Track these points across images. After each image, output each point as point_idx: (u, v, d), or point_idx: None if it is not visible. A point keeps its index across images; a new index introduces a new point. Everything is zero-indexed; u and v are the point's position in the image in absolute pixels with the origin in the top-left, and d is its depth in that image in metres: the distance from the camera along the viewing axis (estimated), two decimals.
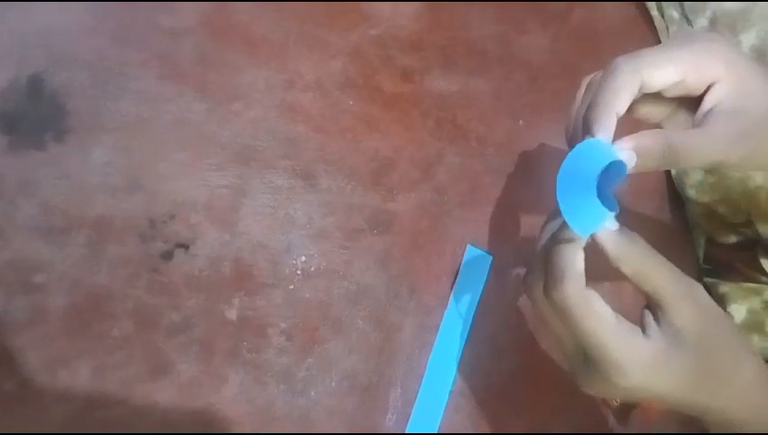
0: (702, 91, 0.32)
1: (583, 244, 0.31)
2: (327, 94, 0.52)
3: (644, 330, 0.31)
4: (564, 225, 0.31)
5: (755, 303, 0.50)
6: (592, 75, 0.35)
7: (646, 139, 0.31)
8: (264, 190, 0.48)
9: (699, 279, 0.53)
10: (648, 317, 0.31)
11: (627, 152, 0.30)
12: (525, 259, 0.50)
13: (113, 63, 0.49)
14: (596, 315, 0.30)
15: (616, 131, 0.31)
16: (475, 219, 0.51)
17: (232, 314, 0.45)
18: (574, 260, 0.31)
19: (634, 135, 0.31)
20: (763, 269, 0.50)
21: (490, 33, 0.57)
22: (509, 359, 0.48)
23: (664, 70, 0.31)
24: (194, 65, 0.50)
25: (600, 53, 0.58)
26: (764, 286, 0.50)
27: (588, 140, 0.31)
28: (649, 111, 0.35)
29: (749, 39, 0.51)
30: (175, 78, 0.50)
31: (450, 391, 0.47)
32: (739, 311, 0.50)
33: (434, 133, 0.53)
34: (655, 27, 0.58)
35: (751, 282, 0.51)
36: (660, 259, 0.31)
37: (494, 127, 0.54)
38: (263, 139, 0.50)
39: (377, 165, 0.51)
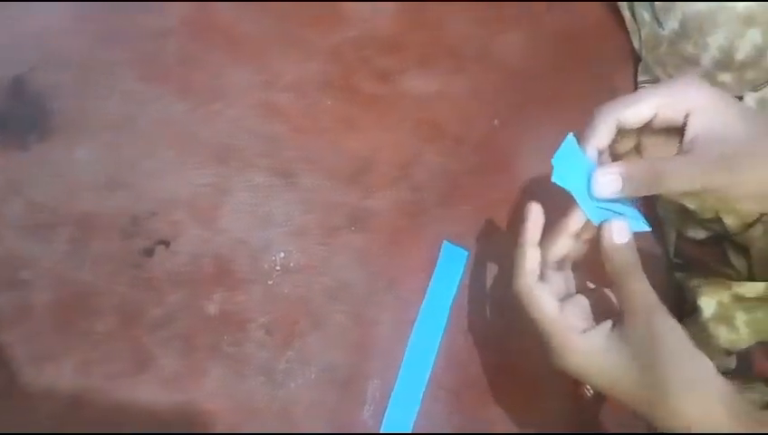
0: (681, 120, 0.34)
1: (534, 243, 0.38)
2: (306, 95, 0.53)
3: (591, 328, 0.36)
4: (523, 229, 0.38)
5: (724, 296, 0.51)
6: None
7: (632, 165, 0.35)
8: (244, 188, 0.49)
9: (670, 273, 0.55)
10: (607, 322, 0.36)
11: (613, 176, 0.34)
12: (500, 255, 0.52)
13: (97, 64, 0.50)
14: (539, 308, 0.36)
15: None
16: (451, 217, 0.52)
17: (212, 309, 0.46)
18: (524, 259, 0.37)
19: (621, 162, 0.36)
20: (732, 264, 0.52)
21: (467, 34, 0.58)
22: (484, 351, 0.50)
23: (635, 107, 0.35)
24: (177, 65, 0.51)
25: (574, 54, 0.59)
26: (733, 281, 0.51)
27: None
28: (658, 151, 0.38)
29: (717, 40, 0.53)
30: (158, 78, 0.51)
31: (428, 383, 0.48)
32: (709, 304, 0.51)
33: (412, 133, 0.54)
34: (627, 29, 0.60)
35: (720, 276, 0.52)
36: (640, 274, 0.35)
37: (470, 127, 0.55)
38: (243, 138, 0.51)
39: (355, 164, 0.52)
